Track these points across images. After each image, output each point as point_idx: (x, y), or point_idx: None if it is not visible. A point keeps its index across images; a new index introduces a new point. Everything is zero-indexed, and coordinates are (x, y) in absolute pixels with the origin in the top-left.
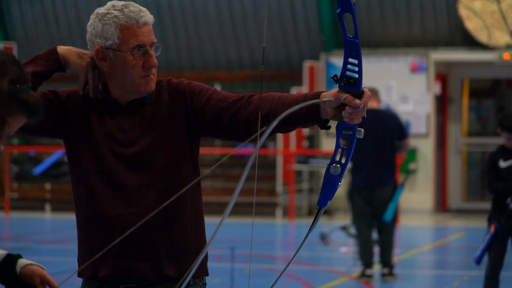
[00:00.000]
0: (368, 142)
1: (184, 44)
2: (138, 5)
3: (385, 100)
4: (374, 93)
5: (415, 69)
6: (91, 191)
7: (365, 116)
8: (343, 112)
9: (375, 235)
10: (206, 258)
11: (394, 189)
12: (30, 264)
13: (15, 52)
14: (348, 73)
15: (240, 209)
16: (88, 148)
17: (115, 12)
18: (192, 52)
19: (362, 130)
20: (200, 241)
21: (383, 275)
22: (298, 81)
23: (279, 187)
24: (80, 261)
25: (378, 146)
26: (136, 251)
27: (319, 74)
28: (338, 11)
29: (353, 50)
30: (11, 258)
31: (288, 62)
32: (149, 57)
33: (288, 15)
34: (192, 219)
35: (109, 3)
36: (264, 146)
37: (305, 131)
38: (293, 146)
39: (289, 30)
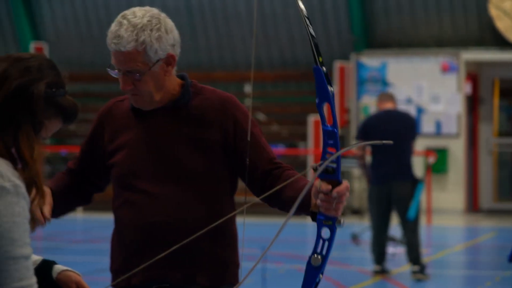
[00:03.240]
0: (385, 138)
1: (215, 44)
2: (122, 29)
3: (416, 100)
4: (390, 96)
5: (445, 69)
6: (125, 199)
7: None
8: (317, 200)
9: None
10: (237, 266)
11: (413, 185)
12: (66, 270)
13: (46, 52)
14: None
15: (271, 209)
16: (121, 156)
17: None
18: (222, 51)
19: (342, 220)
20: (232, 249)
21: (413, 272)
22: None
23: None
24: (114, 268)
25: (395, 143)
26: (168, 260)
27: (350, 74)
28: (317, 101)
29: (331, 139)
30: (47, 264)
31: None
32: (121, 81)
33: (318, 15)
34: (226, 228)
35: (122, 13)
36: (294, 146)
37: None
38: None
39: (319, 30)
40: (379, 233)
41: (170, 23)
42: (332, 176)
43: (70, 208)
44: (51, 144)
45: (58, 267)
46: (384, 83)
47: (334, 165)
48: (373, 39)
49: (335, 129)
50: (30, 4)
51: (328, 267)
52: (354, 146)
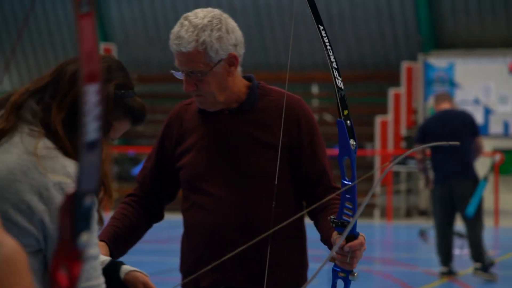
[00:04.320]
0: (444, 138)
1: (282, 45)
2: (183, 30)
3: (484, 101)
4: (446, 96)
5: None
6: (193, 202)
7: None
8: (334, 253)
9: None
10: (306, 267)
11: (474, 183)
12: (134, 271)
13: (114, 53)
14: (343, 216)
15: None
16: (188, 159)
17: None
18: (289, 52)
19: (356, 273)
20: (301, 251)
21: (475, 269)
22: (396, 82)
23: (377, 188)
24: (183, 270)
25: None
26: (236, 262)
27: (417, 75)
28: (339, 154)
29: (349, 193)
30: (115, 264)
31: (386, 63)
32: (184, 82)
33: (385, 15)
34: (293, 229)
35: (185, 14)
36: (361, 146)
37: (403, 131)
38: (390, 147)
39: (386, 30)
40: (444, 234)
41: (232, 23)
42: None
43: (140, 237)
44: (119, 145)
45: (125, 268)
46: (452, 83)
47: (349, 220)
48: (441, 39)
49: (354, 184)
50: (99, 6)
51: (395, 268)
52: (416, 149)
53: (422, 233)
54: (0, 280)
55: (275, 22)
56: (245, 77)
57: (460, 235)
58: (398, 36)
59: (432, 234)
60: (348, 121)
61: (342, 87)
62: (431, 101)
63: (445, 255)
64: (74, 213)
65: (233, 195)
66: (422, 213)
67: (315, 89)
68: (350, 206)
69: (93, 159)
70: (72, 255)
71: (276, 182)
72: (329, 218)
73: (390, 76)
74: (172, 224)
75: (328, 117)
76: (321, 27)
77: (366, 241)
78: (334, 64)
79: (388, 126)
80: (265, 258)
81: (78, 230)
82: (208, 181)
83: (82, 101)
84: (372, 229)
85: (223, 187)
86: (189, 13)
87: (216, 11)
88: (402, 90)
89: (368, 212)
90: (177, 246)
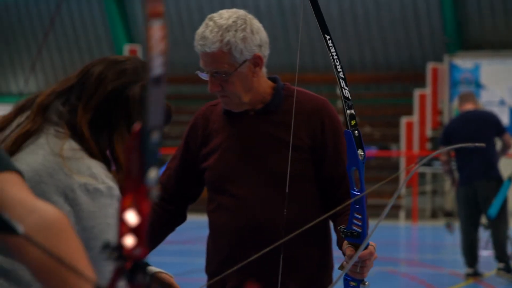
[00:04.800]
0: (468, 139)
1: (307, 46)
2: (207, 31)
3: (509, 102)
4: (469, 97)
5: None
6: (218, 203)
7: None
8: (343, 262)
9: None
10: (331, 268)
11: (498, 184)
12: (159, 272)
13: (140, 54)
14: (353, 226)
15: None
16: (213, 160)
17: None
18: (314, 53)
19: (368, 282)
20: (325, 251)
21: (498, 269)
22: (422, 83)
23: (402, 189)
24: (209, 271)
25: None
26: (262, 264)
27: (443, 76)
28: (347, 164)
29: (358, 204)
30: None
31: (411, 64)
32: (209, 83)
33: (411, 17)
34: (318, 230)
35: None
36: (386, 148)
37: (429, 132)
38: (416, 148)
39: (412, 31)
40: (469, 235)
41: (256, 24)
42: (357, 240)
43: (160, 240)
44: None
45: (150, 269)
46: (477, 85)
47: (359, 230)
48: (466, 40)
49: (363, 195)
50: (124, 7)
51: (420, 270)
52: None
53: (448, 225)
54: (48, 245)
55: (300, 22)
56: (270, 78)
57: (486, 227)
58: (423, 37)
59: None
60: (356, 131)
61: (349, 97)
62: (456, 102)
63: (470, 256)
64: (142, 150)
65: (259, 197)
66: (448, 214)
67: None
68: (360, 216)
69: (158, 95)
70: (141, 192)
71: (287, 184)
72: (339, 228)
73: (416, 77)
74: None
75: None
76: (328, 37)
77: (389, 243)
78: (341, 74)
79: (414, 127)
80: (289, 259)
81: (146, 166)
82: (233, 182)
83: (147, 36)
84: (398, 230)
85: (248, 188)
86: (214, 14)
87: (241, 12)
88: (428, 91)
89: (394, 213)
90: (202, 247)
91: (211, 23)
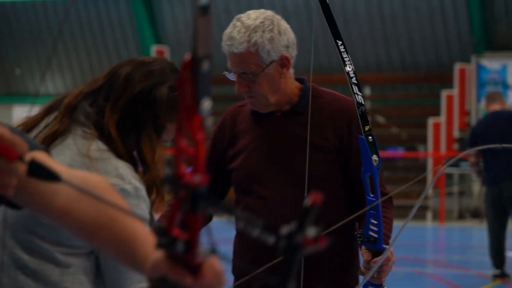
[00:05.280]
0: (495, 140)
1: (334, 46)
2: (235, 31)
3: None
4: (496, 97)
5: None
6: (245, 204)
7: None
8: (361, 267)
9: None
10: (358, 269)
11: None
12: None
13: (167, 55)
14: (370, 232)
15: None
16: (240, 161)
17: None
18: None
19: (386, 287)
20: (352, 253)
21: None
22: (449, 84)
23: (429, 190)
24: (235, 272)
25: (505, 143)
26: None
27: (470, 77)
28: (362, 169)
29: (373, 210)
30: None
31: (438, 64)
32: (236, 83)
33: (438, 17)
34: (345, 233)
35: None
36: (414, 148)
37: (456, 133)
38: (443, 149)
39: (439, 31)
40: (496, 236)
41: (284, 24)
42: (373, 245)
43: None
44: (172, 147)
45: None
46: (505, 85)
47: (376, 235)
48: (494, 41)
49: (378, 200)
50: (152, 8)
51: (447, 271)
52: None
53: (477, 213)
54: (94, 202)
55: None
56: (297, 79)
57: None
58: (450, 37)
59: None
60: (370, 137)
61: (363, 103)
62: (483, 103)
63: (498, 257)
64: (194, 79)
65: (285, 198)
66: (475, 215)
67: (367, 91)
68: (376, 222)
69: (206, 24)
70: (195, 122)
71: (306, 185)
72: (356, 233)
73: (443, 78)
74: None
75: (380, 119)
76: (339, 42)
77: (417, 244)
78: (353, 80)
79: (441, 128)
80: (316, 260)
81: (200, 96)
82: (260, 183)
83: None
84: (425, 231)
85: (275, 189)
86: (242, 14)
87: (269, 13)
88: (455, 91)
89: (421, 214)
90: (228, 248)
91: (238, 23)
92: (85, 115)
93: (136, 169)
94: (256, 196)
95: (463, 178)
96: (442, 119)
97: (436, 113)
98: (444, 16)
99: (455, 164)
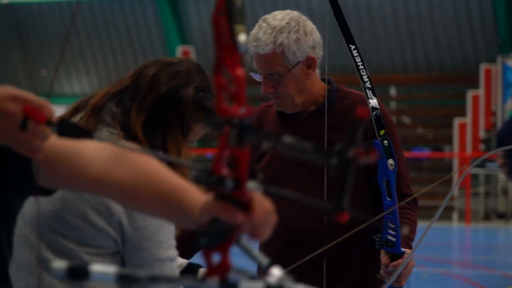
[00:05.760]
0: None
1: (360, 46)
2: (261, 32)
3: None
4: None
5: None
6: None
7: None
8: (381, 271)
9: None
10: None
11: None
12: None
13: (192, 56)
14: (388, 236)
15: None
16: (265, 162)
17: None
18: (367, 54)
19: None
20: (374, 257)
21: None
22: (475, 84)
23: (455, 190)
24: (261, 273)
25: None
26: (311, 266)
27: (496, 77)
28: (378, 174)
29: (391, 214)
30: (193, 267)
31: (464, 65)
32: (262, 84)
33: (464, 17)
34: (368, 235)
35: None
36: (439, 149)
37: (482, 134)
38: (469, 149)
39: (465, 32)
40: None
41: (310, 25)
42: (392, 249)
43: None
44: (197, 147)
45: (203, 271)
46: None
47: (394, 239)
48: None
49: (394, 204)
50: (177, 8)
51: (474, 272)
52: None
53: (505, 191)
54: (130, 167)
55: (352, 23)
56: (323, 79)
57: None
58: (476, 37)
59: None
60: (386, 141)
61: (377, 107)
62: (509, 103)
63: None
64: (229, 15)
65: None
66: (501, 216)
67: (393, 91)
68: (393, 226)
69: None
70: (234, 58)
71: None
72: (374, 237)
73: (469, 78)
74: None
75: (406, 119)
76: (352, 47)
77: (442, 245)
78: (367, 84)
79: (467, 128)
80: (338, 261)
81: (235, 32)
82: (285, 185)
83: None
84: (451, 232)
85: (300, 190)
86: (268, 15)
87: (295, 13)
88: (481, 92)
89: (447, 215)
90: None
91: (264, 24)
92: (111, 115)
93: None
94: (280, 198)
95: (489, 178)
96: (468, 119)
97: (462, 113)
98: (469, 16)
99: (481, 165)
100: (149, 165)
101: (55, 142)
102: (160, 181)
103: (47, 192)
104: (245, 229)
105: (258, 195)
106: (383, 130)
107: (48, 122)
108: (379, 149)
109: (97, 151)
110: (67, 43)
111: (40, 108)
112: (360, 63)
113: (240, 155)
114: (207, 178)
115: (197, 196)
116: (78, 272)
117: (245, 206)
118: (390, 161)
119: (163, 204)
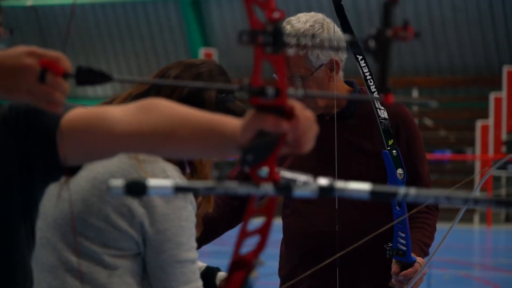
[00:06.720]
0: None
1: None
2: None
3: None
4: None
5: None
6: (294, 208)
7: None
8: (392, 280)
9: None
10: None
11: None
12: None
13: (215, 58)
14: (398, 244)
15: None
16: (287, 164)
17: None
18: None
19: None
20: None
21: None
22: (498, 86)
23: (477, 193)
24: (282, 275)
25: None
26: (333, 269)
27: None
28: (387, 184)
29: (401, 223)
30: (211, 271)
31: (487, 67)
32: None
33: (487, 20)
34: (388, 236)
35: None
36: (461, 151)
37: (504, 136)
38: (491, 152)
39: (488, 34)
40: None
41: (334, 28)
42: (402, 258)
43: (221, 234)
44: None
45: (221, 274)
46: None
47: (405, 248)
48: None
49: (404, 213)
50: (200, 11)
51: (495, 274)
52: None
53: None
54: (154, 116)
55: (375, 25)
56: (346, 82)
57: None
58: (499, 40)
59: None
60: (394, 151)
61: (386, 117)
62: None
63: None
64: None
65: (332, 201)
66: None
67: (415, 93)
68: (403, 235)
69: None
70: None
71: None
72: (385, 246)
73: (492, 80)
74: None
75: (428, 122)
76: (360, 57)
77: (463, 247)
78: (375, 94)
79: (489, 130)
80: (359, 266)
81: None
82: None
83: None
84: (472, 234)
85: None
86: (292, 17)
87: (319, 16)
88: (504, 94)
89: (468, 217)
90: (275, 251)
91: (288, 27)
92: None
93: (183, 172)
94: (304, 201)
95: (510, 180)
96: (490, 121)
97: (484, 115)
98: (493, 18)
99: (503, 167)
100: (178, 107)
101: (79, 111)
102: (194, 117)
103: (71, 171)
104: (289, 137)
105: (298, 103)
106: (392, 140)
107: (65, 73)
108: (388, 159)
109: (123, 110)
110: (66, 45)
111: (57, 61)
112: (367, 73)
113: (278, 63)
114: (249, 89)
115: (235, 121)
116: (137, 188)
117: (288, 114)
118: (399, 171)
119: (203, 137)
